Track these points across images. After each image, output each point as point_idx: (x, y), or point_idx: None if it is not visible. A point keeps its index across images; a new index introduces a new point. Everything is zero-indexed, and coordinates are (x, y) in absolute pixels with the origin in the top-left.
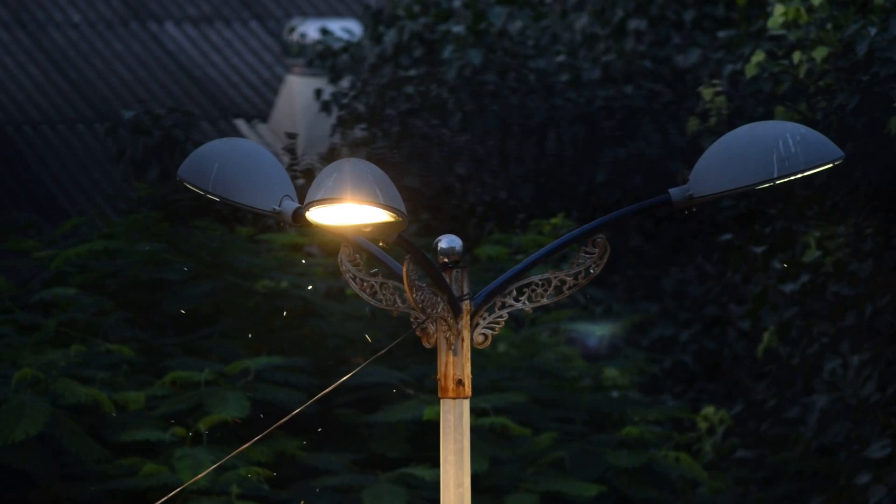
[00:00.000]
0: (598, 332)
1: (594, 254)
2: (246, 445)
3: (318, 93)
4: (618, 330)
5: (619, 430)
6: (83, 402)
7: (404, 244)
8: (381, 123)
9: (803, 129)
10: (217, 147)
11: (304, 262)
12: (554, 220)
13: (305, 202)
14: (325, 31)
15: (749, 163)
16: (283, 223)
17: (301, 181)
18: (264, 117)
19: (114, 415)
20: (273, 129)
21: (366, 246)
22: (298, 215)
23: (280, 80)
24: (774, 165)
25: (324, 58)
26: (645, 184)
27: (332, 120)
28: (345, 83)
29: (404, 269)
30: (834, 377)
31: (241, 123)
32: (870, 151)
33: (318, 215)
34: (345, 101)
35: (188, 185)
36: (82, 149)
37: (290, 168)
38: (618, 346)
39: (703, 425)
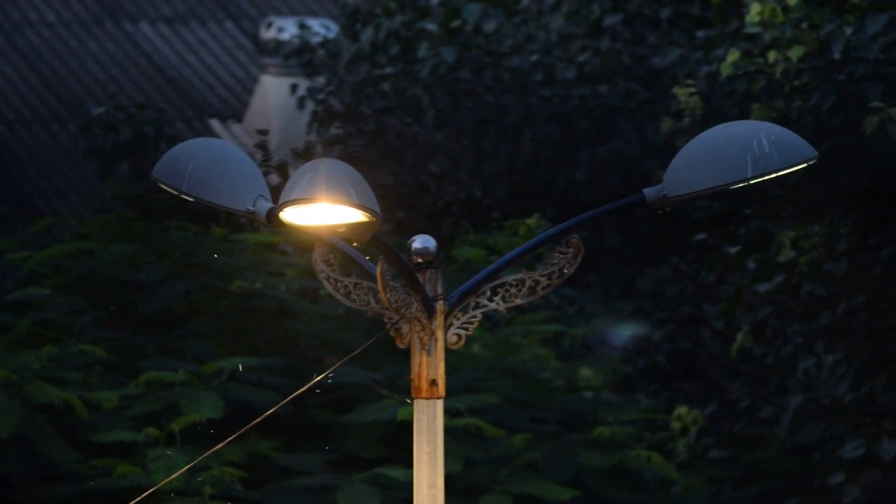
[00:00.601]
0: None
1: (568, 254)
2: (219, 446)
3: (294, 88)
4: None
5: (593, 431)
6: (56, 404)
7: (378, 244)
8: (356, 121)
9: (777, 128)
10: (191, 147)
11: (278, 261)
12: (529, 221)
13: (279, 202)
14: (303, 26)
15: (723, 163)
16: (258, 223)
17: (274, 177)
18: (239, 117)
19: (86, 417)
20: (247, 128)
21: (340, 246)
22: (272, 215)
23: (255, 79)
24: (749, 165)
25: (300, 53)
26: (622, 183)
27: (307, 118)
28: (321, 80)
29: (378, 270)
30: (808, 377)
31: (215, 123)
32: (845, 151)
33: (293, 215)
34: (321, 96)
35: (162, 185)
36: (56, 148)
37: (262, 164)
38: (592, 346)
39: (676, 425)
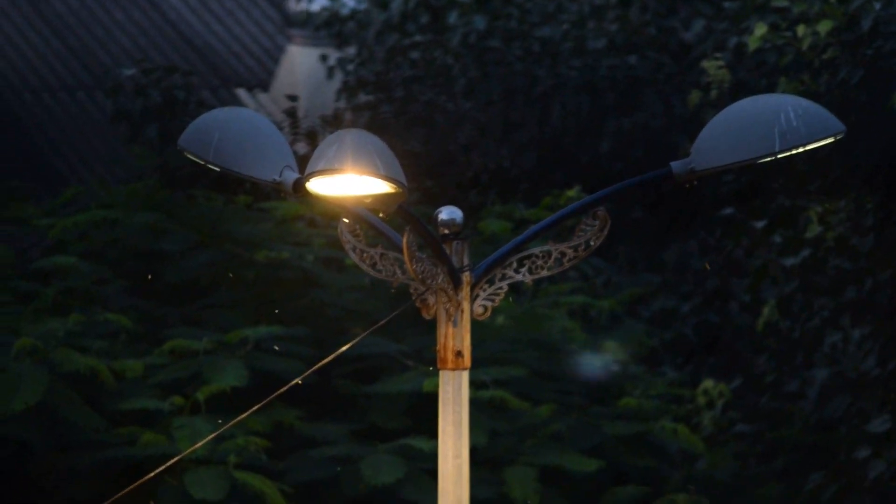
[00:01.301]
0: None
1: (594, 226)
2: (244, 415)
3: (324, 58)
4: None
5: (618, 403)
6: (81, 372)
7: (404, 215)
8: (385, 89)
9: (805, 102)
10: (218, 116)
11: (304, 231)
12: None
13: (306, 173)
14: None
15: (750, 136)
16: (284, 193)
17: (302, 145)
18: (265, 87)
19: (112, 385)
20: (274, 98)
21: (366, 217)
22: (299, 186)
23: (281, 49)
24: (776, 139)
25: (330, 24)
26: (648, 155)
27: (335, 88)
28: (350, 50)
29: (404, 241)
30: (834, 351)
31: (242, 93)
32: (872, 126)
33: (319, 186)
34: (350, 66)
35: (189, 155)
36: (82, 116)
37: (291, 131)
38: (619, 317)
39: (701, 399)
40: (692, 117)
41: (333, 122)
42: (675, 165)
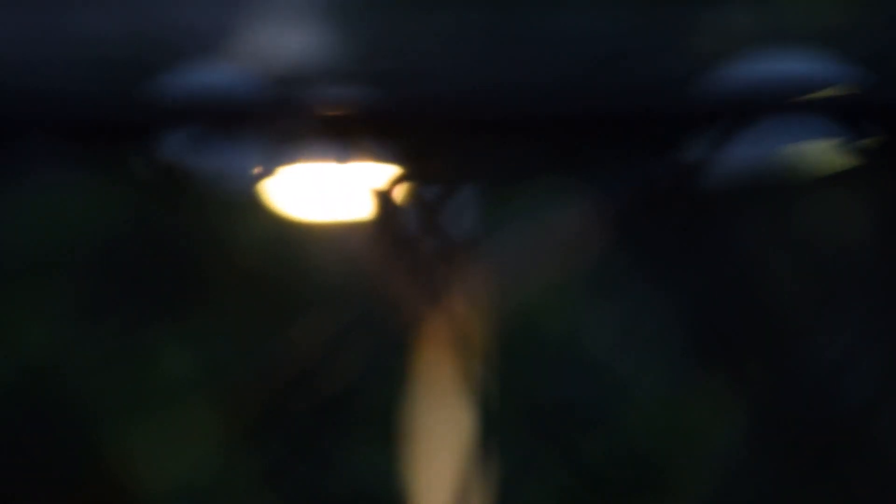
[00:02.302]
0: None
1: (592, 223)
2: (233, 415)
3: (300, 35)
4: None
5: (624, 399)
6: (58, 384)
7: (393, 223)
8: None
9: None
10: (184, 106)
11: (287, 231)
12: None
13: (274, 174)
14: None
15: (772, 128)
16: (259, 202)
17: (280, 112)
18: (239, 60)
19: (92, 393)
20: (248, 70)
21: (354, 226)
22: (270, 194)
23: (256, 23)
24: (782, 149)
25: None
26: (643, 137)
27: (309, 59)
28: (333, 27)
29: (396, 243)
30: (839, 349)
31: (215, 66)
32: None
33: (293, 194)
34: (331, 44)
35: (154, 158)
36: (50, 95)
37: (269, 101)
38: (625, 307)
39: (709, 400)
40: (689, 78)
41: (312, 90)
42: (680, 166)
